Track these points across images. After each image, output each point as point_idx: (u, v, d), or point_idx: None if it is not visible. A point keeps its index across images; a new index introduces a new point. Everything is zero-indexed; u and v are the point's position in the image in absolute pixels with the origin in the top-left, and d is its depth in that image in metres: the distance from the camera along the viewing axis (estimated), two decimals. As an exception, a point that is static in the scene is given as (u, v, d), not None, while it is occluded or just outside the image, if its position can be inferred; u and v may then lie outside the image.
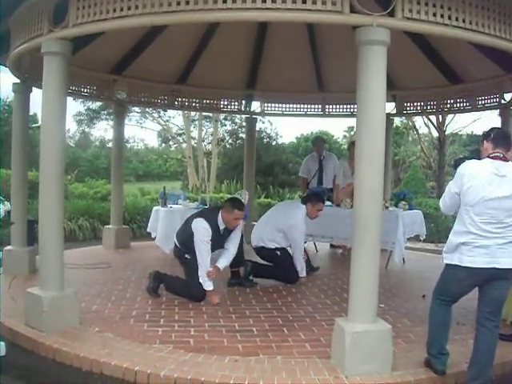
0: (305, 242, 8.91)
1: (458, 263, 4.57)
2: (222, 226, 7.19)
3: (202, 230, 6.98)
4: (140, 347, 5.31)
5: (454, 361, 5.00)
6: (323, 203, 8.79)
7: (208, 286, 7.01)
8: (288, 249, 8.45)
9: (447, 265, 4.73)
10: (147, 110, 28.16)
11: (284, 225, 8.24)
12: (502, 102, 9.64)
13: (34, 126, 19.08)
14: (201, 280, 6.97)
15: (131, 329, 5.88)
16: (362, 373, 4.77)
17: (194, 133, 30.78)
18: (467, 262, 4.50)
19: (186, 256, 7.19)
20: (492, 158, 4.60)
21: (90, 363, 4.98)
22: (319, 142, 12.37)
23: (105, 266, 9.07)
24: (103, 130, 40.49)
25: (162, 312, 6.56)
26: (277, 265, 8.35)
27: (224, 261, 7.30)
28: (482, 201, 4.45)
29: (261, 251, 8.42)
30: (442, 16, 4.94)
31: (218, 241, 7.21)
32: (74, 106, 30.47)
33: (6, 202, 7.95)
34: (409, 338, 5.89)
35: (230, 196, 14.59)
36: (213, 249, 7.13)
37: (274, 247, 8.29)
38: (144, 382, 4.73)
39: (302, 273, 8.38)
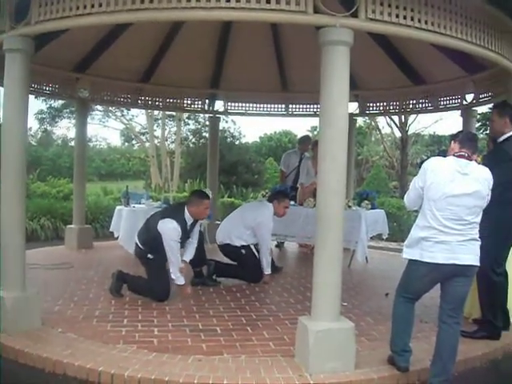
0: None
1: (418, 258, 4.64)
2: (189, 222, 7.21)
3: (172, 231, 6.96)
4: (103, 347, 5.27)
5: (416, 358, 5.06)
6: (289, 200, 8.84)
7: (181, 281, 7.08)
8: (253, 247, 8.47)
9: (409, 261, 4.80)
10: (110, 108, 27.99)
11: (252, 222, 8.29)
12: (464, 102, 9.75)
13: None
14: (173, 277, 7.02)
15: (94, 329, 5.83)
16: (326, 371, 4.80)
17: (158, 132, 30.76)
18: (428, 258, 4.57)
19: (149, 256, 7.17)
20: (457, 156, 4.68)
21: (53, 364, 4.93)
22: (307, 140, 12.37)
23: (67, 266, 8.98)
24: (65, 128, 40.07)
25: (126, 312, 6.53)
26: (241, 263, 8.36)
27: (189, 254, 7.38)
28: (443, 197, 4.52)
29: (226, 248, 8.42)
30: (404, 17, 5.01)
31: (186, 236, 7.23)
32: (36, 104, 30.16)
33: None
34: (372, 335, 5.95)
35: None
36: (181, 245, 7.16)
37: (239, 245, 8.30)
38: (108, 383, 4.69)
39: (268, 270, 8.41)
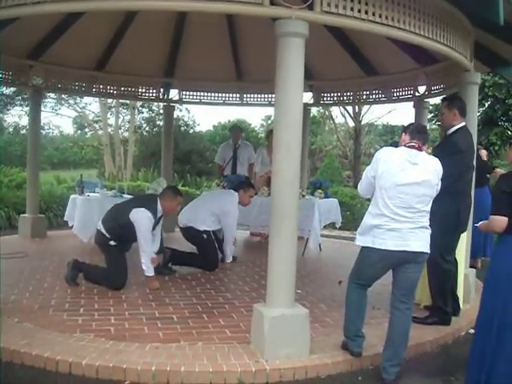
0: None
1: (370, 245, 4.76)
2: (159, 214, 7.27)
3: (146, 220, 7.02)
4: (60, 336, 5.28)
5: (370, 343, 5.22)
6: (254, 189, 9.01)
7: (150, 272, 7.13)
8: (212, 235, 8.59)
9: (361, 248, 4.92)
10: (63, 96, 27.66)
11: (218, 209, 8.44)
12: (416, 94, 9.93)
13: None
14: (144, 267, 7.08)
15: (51, 318, 5.83)
16: (282, 356, 4.90)
17: (111, 120, 30.48)
18: (379, 245, 4.70)
19: (110, 243, 7.15)
20: (408, 147, 4.81)
21: (11, 354, 4.91)
22: (236, 130, 12.53)
23: (21, 256, 8.91)
24: (17, 116, 39.39)
25: (82, 301, 6.53)
26: (200, 248, 8.48)
27: (155, 246, 7.43)
28: (394, 185, 4.65)
29: (188, 231, 8.51)
30: (359, 11, 5.10)
31: (154, 227, 7.27)
32: (-14, 92, 29.69)
33: None
34: (326, 322, 6.08)
35: (148, 184, 14.55)
36: None
37: (202, 229, 8.39)
38: (66, 371, 4.71)
39: (229, 258, 8.68)
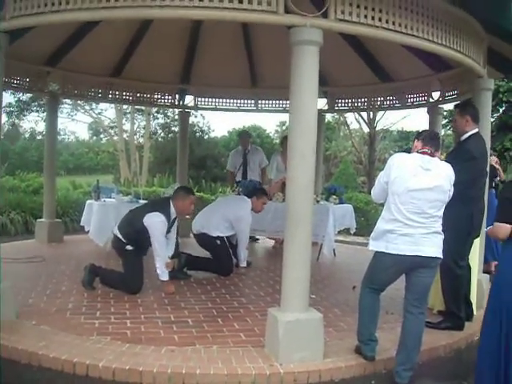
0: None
1: (384, 250, 4.80)
2: (173, 216, 7.31)
3: (159, 224, 7.05)
4: (77, 339, 5.35)
5: (383, 347, 5.25)
6: (267, 196, 9.06)
7: (165, 277, 7.14)
8: (226, 241, 8.66)
9: (374, 253, 4.96)
10: (79, 102, 27.81)
11: (232, 215, 8.49)
12: (430, 100, 9.97)
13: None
14: (159, 272, 7.09)
15: (68, 321, 5.91)
16: (296, 360, 4.95)
17: (127, 126, 30.61)
18: (392, 250, 4.74)
19: (127, 248, 7.21)
20: (421, 153, 4.86)
21: (29, 356, 5.00)
22: (244, 136, 12.61)
23: (39, 260, 9.01)
24: (33, 121, 39.71)
25: (98, 305, 6.60)
26: (214, 254, 8.51)
27: (170, 249, 7.46)
28: (406, 191, 4.69)
29: (202, 237, 8.56)
30: (372, 18, 5.15)
31: (167, 231, 7.30)
32: (4, 98, 29.81)
33: None
34: (340, 326, 6.11)
35: (163, 189, 14.63)
36: None
37: (215, 235, 8.44)
38: (83, 374, 4.77)
39: (244, 262, 8.71)
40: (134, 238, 7.18)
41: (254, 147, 12.11)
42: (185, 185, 8.34)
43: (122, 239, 7.25)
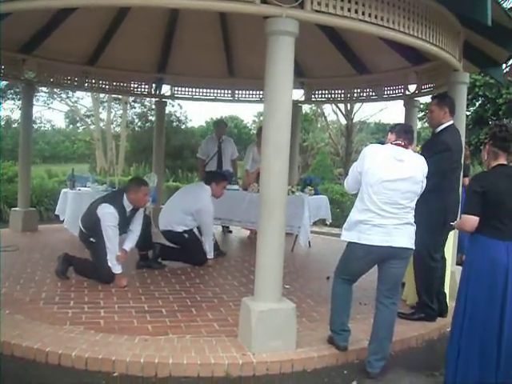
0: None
1: (356, 241, 4.84)
2: (128, 208, 7.24)
3: (108, 216, 7.00)
4: (50, 328, 5.34)
5: (355, 338, 5.29)
6: (226, 180, 9.01)
7: (117, 269, 7.08)
8: (196, 231, 8.60)
9: (347, 243, 4.99)
10: (55, 90, 27.62)
11: (192, 208, 8.36)
12: (407, 93, 10.05)
13: None
14: (110, 264, 7.01)
15: (41, 311, 5.89)
16: (268, 350, 4.97)
17: (103, 114, 30.45)
18: (364, 240, 4.77)
19: (91, 239, 7.20)
20: (394, 144, 4.90)
21: (1, 345, 4.95)
22: (222, 124, 12.48)
23: (12, 249, 8.94)
24: (9, 109, 39.34)
25: (72, 294, 6.58)
26: (185, 247, 8.45)
27: (130, 243, 7.39)
28: (379, 181, 4.73)
29: (168, 234, 8.49)
30: (349, 10, 5.15)
31: (125, 223, 7.27)
32: (-22, 85, 29.60)
33: None
34: (313, 317, 6.15)
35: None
36: (120, 232, 7.19)
37: (182, 230, 8.39)
38: (55, 363, 4.76)
39: (210, 254, 8.53)
40: (93, 230, 7.12)
41: (226, 138, 12.05)
42: (137, 176, 8.19)
43: (84, 231, 7.26)
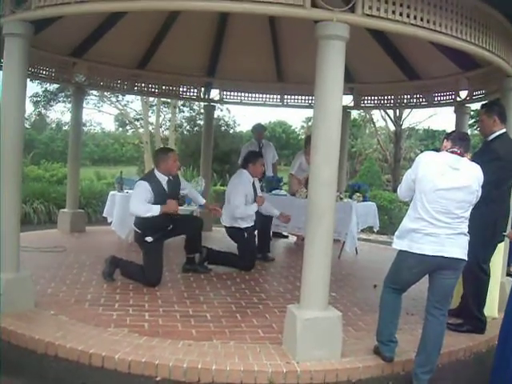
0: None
1: (407, 249, 4.73)
2: (164, 181, 7.31)
3: (138, 188, 7.11)
4: (95, 330, 5.36)
5: (402, 349, 5.17)
6: (261, 156, 9.02)
7: (156, 209, 7.05)
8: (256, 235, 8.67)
9: (398, 252, 4.89)
10: (105, 93, 27.91)
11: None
12: (458, 99, 9.85)
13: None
14: (149, 213, 7.01)
15: (86, 312, 5.91)
16: (313, 358, 4.90)
17: (152, 118, 30.63)
18: (416, 249, 4.66)
19: (146, 239, 7.16)
20: (450, 152, 4.78)
21: (45, 346, 5.00)
22: (259, 128, 12.35)
23: (60, 250, 9.04)
24: (60, 112, 39.95)
25: (117, 296, 6.60)
26: (239, 246, 8.47)
27: (199, 199, 7.80)
28: (433, 189, 4.61)
29: (229, 231, 8.57)
30: (400, 14, 5.06)
31: (171, 194, 7.34)
32: (31, 87, 29.98)
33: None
34: (359, 326, 6.06)
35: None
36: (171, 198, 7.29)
37: (244, 226, 8.40)
38: (98, 365, 4.77)
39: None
40: (141, 222, 7.16)
41: (266, 142, 11.98)
42: (160, 147, 8.23)
43: (138, 230, 7.25)
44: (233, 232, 8.51)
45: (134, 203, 7.07)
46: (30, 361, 4.89)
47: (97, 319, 5.70)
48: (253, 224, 8.55)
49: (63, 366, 4.78)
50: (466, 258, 4.75)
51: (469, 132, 13.70)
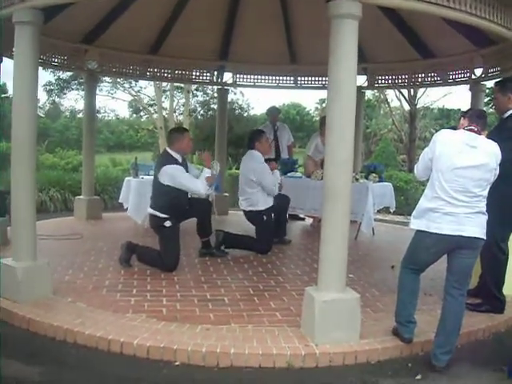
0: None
1: (425, 229, 4.69)
2: (179, 159, 7.30)
3: (174, 169, 7.10)
4: (113, 316, 5.37)
5: (421, 330, 5.13)
6: (264, 132, 9.05)
7: (209, 190, 7.43)
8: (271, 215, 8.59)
9: (415, 232, 4.85)
10: (118, 80, 27.90)
11: (250, 177, 8.37)
12: (473, 77, 9.76)
13: (3, 96, 18.78)
14: (206, 191, 7.31)
15: (104, 299, 5.93)
16: (331, 341, 4.88)
17: (166, 103, 30.61)
18: (434, 229, 4.62)
19: (165, 224, 7.11)
20: (467, 130, 4.72)
21: (64, 332, 5.02)
22: (274, 111, 12.32)
23: (76, 237, 9.07)
24: (73, 100, 40.01)
25: (135, 282, 6.62)
26: (257, 229, 8.46)
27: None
28: (451, 168, 4.57)
29: (248, 214, 8.58)
30: (413, -10, 5.00)
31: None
32: (44, 76, 30.05)
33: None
34: (377, 307, 6.03)
35: (201, 167, 14.61)
36: None
37: (262, 209, 8.38)
38: (117, 351, 4.79)
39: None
40: (168, 206, 7.12)
41: (281, 124, 11.95)
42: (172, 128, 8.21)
43: (159, 214, 7.17)
44: (252, 215, 8.50)
45: (191, 183, 7.15)
46: (49, 348, 4.91)
47: (115, 305, 5.72)
48: (272, 204, 8.52)
49: (82, 353, 4.80)
50: (485, 237, 4.71)
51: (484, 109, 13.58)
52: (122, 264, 7.24)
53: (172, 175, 7.07)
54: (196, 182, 7.18)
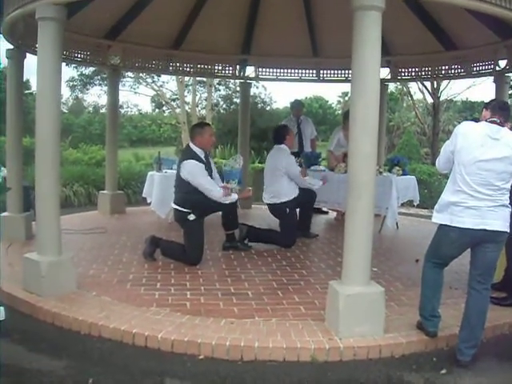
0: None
1: (448, 223, 4.65)
2: (202, 155, 7.28)
3: (193, 166, 7.07)
4: (137, 310, 5.41)
5: (445, 324, 5.10)
6: (287, 126, 9.18)
7: (233, 198, 7.35)
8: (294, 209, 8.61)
9: (438, 226, 4.81)
10: (141, 75, 27.98)
11: (279, 166, 8.41)
12: (497, 68, 9.66)
13: (26, 92, 18.89)
14: (225, 201, 7.22)
15: (128, 292, 5.98)
16: (356, 335, 4.87)
17: (188, 98, 30.67)
18: (457, 223, 4.58)
19: (189, 218, 7.10)
20: (489, 122, 4.66)
21: (89, 326, 5.07)
22: (297, 105, 12.26)
23: (101, 231, 9.13)
24: (96, 95, 40.22)
25: (159, 276, 6.65)
26: (281, 222, 8.47)
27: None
28: (473, 161, 4.51)
29: (272, 207, 8.60)
30: (436, -19, 4.95)
31: (209, 170, 7.32)
32: (67, 72, 30.23)
33: (2, 168, 7.99)
34: (401, 301, 6.00)
35: (225, 161, 14.64)
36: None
37: (285, 200, 8.39)
38: (142, 345, 4.82)
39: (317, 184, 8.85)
40: (189, 200, 7.12)
41: (305, 117, 11.91)
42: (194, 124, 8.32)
43: (182, 209, 7.18)
44: (275, 208, 8.51)
45: (209, 186, 7.13)
46: (73, 342, 4.95)
47: (139, 299, 5.76)
48: (295, 196, 8.50)
49: (107, 346, 4.84)
50: (508, 231, 4.66)
51: (509, 102, 13.45)
52: (145, 258, 7.28)
53: (191, 173, 7.06)
54: (214, 187, 7.16)
